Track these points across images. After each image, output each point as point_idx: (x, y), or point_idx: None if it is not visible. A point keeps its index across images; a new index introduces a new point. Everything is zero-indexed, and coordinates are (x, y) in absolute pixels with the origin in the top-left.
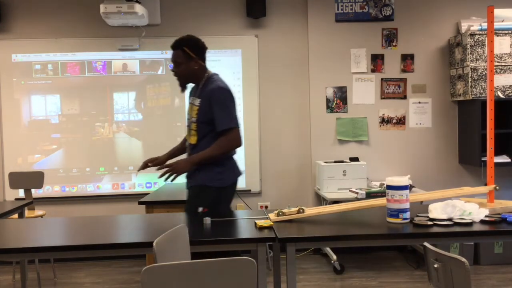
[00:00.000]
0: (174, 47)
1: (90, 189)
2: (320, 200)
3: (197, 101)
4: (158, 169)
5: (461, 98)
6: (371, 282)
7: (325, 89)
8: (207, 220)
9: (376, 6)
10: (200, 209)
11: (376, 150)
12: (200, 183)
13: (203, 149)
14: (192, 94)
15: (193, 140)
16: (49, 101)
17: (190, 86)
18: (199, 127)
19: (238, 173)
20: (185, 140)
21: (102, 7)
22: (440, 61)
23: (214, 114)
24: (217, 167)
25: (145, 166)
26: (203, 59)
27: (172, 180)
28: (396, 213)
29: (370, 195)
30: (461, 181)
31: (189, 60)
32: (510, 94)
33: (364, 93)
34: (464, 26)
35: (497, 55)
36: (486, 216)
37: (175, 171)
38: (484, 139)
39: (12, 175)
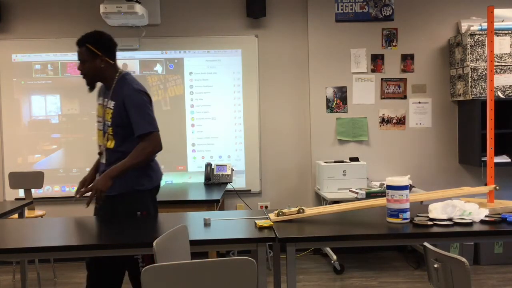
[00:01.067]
0: (78, 44)
1: None
2: (320, 200)
3: (111, 104)
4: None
5: (461, 98)
6: (371, 282)
7: (325, 89)
8: (208, 220)
9: (376, 6)
10: (139, 213)
11: (376, 150)
12: (129, 188)
13: (124, 153)
14: (101, 94)
15: (110, 144)
16: (49, 101)
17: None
18: (115, 131)
19: (161, 173)
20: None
21: (102, 7)
22: (440, 61)
23: (131, 119)
24: (144, 169)
25: (83, 191)
26: (111, 56)
27: (99, 202)
28: (396, 213)
29: (370, 195)
30: (461, 181)
31: (94, 58)
32: (510, 94)
33: (364, 93)
34: (464, 26)
35: (497, 55)
36: (486, 216)
37: (98, 192)
38: (484, 139)
39: (12, 175)
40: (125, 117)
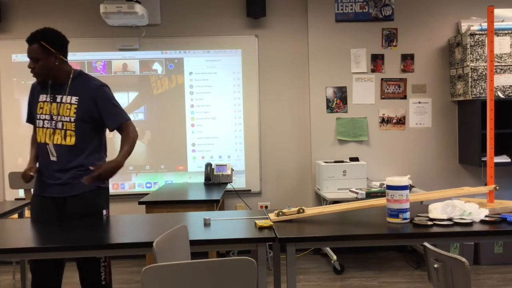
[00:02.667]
0: (30, 41)
1: None
2: (320, 200)
3: (72, 99)
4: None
5: (461, 98)
6: (371, 282)
7: (325, 89)
8: (208, 220)
9: (376, 6)
10: (104, 212)
11: (376, 150)
12: (93, 187)
13: (87, 150)
14: (44, 91)
15: (70, 141)
16: None
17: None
18: (79, 126)
19: None
20: (35, 141)
21: (102, 7)
22: (440, 61)
23: (105, 112)
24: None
25: (30, 177)
26: (65, 54)
27: (89, 181)
28: (396, 213)
29: (370, 195)
30: (461, 181)
31: (48, 56)
32: (510, 94)
33: (364, 93)
34: (464, 26)
35: (497, 55)
36: (486, 216)
37: (102, 177)
38: (484, 139)
39: (12, 175)
40: (92, 112)
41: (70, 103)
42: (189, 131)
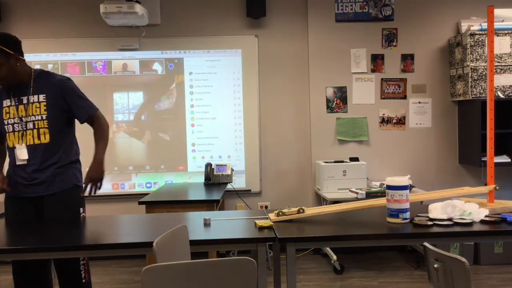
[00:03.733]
0: None
1: None
2: (320, 200)
3: (40, 97)
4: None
5: (461, 98)
6: (371, 282)
7: (325, 89)
8: (208, 220)
9: (376, 6)
10: (81, 210)
11: (376, 150)
12: (71, 185)
13: (63, 145)
14: (6, 96)
15: (44, 139)
16: None
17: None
18: (52, 122)
19: None
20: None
21: (102, 7)
22: (440, 61)
23: (73, 105)
24: (75, 164)
25: (3, 190)
26: (21, 54)
27: (96, 191)
28: (396, 213)
29: (370, 195)
30: (461, 181)
31: (8, 59)
32: (510, 94)
33: (364, 93)
34: (464, 26)
35: (497, 55)
36: (486, 216)
37: (97, 181)
38: (484, 139)
39: None
40: (63, 106)
41: (39, 102)
42: (189, 131)
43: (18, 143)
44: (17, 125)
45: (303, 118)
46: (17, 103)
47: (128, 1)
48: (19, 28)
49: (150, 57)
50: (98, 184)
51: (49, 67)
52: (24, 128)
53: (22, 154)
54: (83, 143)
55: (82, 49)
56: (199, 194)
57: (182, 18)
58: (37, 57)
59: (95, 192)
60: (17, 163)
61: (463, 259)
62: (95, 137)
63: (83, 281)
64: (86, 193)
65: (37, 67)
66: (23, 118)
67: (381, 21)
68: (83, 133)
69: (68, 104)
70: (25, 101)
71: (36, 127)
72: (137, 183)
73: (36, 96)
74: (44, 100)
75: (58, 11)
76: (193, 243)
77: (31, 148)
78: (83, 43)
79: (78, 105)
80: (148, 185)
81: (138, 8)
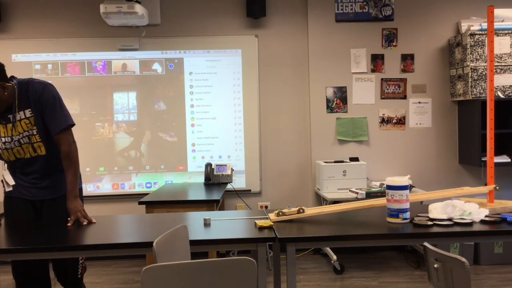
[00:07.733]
0: None
1: (90, 189)
2: (320, 200)
3: (26, 113)
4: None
5: (461, 98)
6: (371, 282)
7: (325, 89)
8: (208, 220)
9: (376, 6)
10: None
11: (376, 150)
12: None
13: (60, 153)
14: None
15: (40, 151)
16: None
17: None
18: (43, 135)
19: None
20: None
21: (102, 7)
22: (440, 61)
23: (47, 117)
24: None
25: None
26: (6, 79)
27: (84, 220)
28: (396, 213)
29: (370, 195)
30: (461, 181)
31: None
32: (510, 94)
33: (364, 93)
34: (464, 26)
35: (497, 55)
36: (486, 216)
37: (80, 211)
38: (484, 139)
39: None
40: (45, 118)
41: (26, 117)
42: (189, 131)
43: (15, 157)
44: (8, 143)
45: (303, 118)
46: (5, 122)
47: (128, 1)
48: (19, 28)
49: (150, 57)
50: (83, 213)
51: (49, 67)
52: (18, 144)
53: (10, 180)
54: (81, 142)
55: (82, 49)
56: (199, 194)
57: (182, 18)
58: (37, 57)
59: (85, 222)
60: (7, 189)
61: (463, 259)
62: (63, 163)
63: (79, 276)
64: (72, 226)
65: (37, 67)
66: (14, 137)
67: (381, 21)
68: (81, 132)
69: (42, 118)
70: (12, 119)
71: (31, 141)
72: (137, 183)
73: (22, 113)
74: (32, 115)
75: (58, 11)
76: (193, 243)
77: (29, 160)
78: (83, 43)
79: (50, 118)
80: (148, 185)
81: (138, 8)
